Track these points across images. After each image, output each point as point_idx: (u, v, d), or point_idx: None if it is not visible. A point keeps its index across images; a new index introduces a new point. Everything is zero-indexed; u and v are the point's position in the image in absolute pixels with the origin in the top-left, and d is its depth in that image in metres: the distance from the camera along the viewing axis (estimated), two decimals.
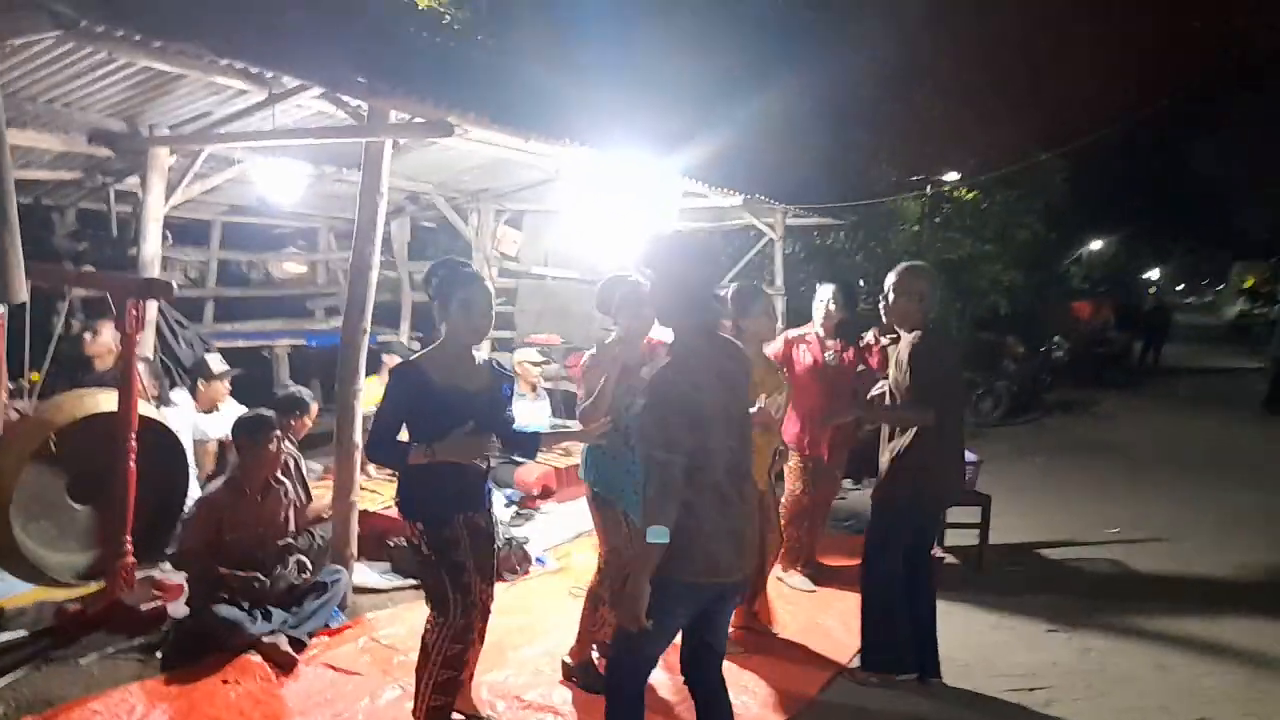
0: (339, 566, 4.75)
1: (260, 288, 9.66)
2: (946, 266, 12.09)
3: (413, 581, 4.97)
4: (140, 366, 4.71)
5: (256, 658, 4.03)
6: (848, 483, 7.39)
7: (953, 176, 13.72)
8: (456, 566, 3.31)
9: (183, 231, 8.47)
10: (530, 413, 6.94)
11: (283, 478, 4.66)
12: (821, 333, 5.44)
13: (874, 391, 4.42)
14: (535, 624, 4.74)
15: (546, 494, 6.65)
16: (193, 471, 5.27)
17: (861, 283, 10.19)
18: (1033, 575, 6.17)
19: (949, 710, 4.09)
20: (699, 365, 2.69)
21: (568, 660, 4.12)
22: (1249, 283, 36.71)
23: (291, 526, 4.63)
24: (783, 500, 5.31)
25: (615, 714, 2.91)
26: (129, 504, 4.27)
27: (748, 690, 4.13)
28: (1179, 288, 53.50)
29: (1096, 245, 27.03)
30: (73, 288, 5.76)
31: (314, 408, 5.43)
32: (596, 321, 8.81)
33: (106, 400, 4.44)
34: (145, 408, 4.54)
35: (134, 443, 4.26)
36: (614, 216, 8.10)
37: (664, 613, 2.64)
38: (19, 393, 5.11)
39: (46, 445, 4.23)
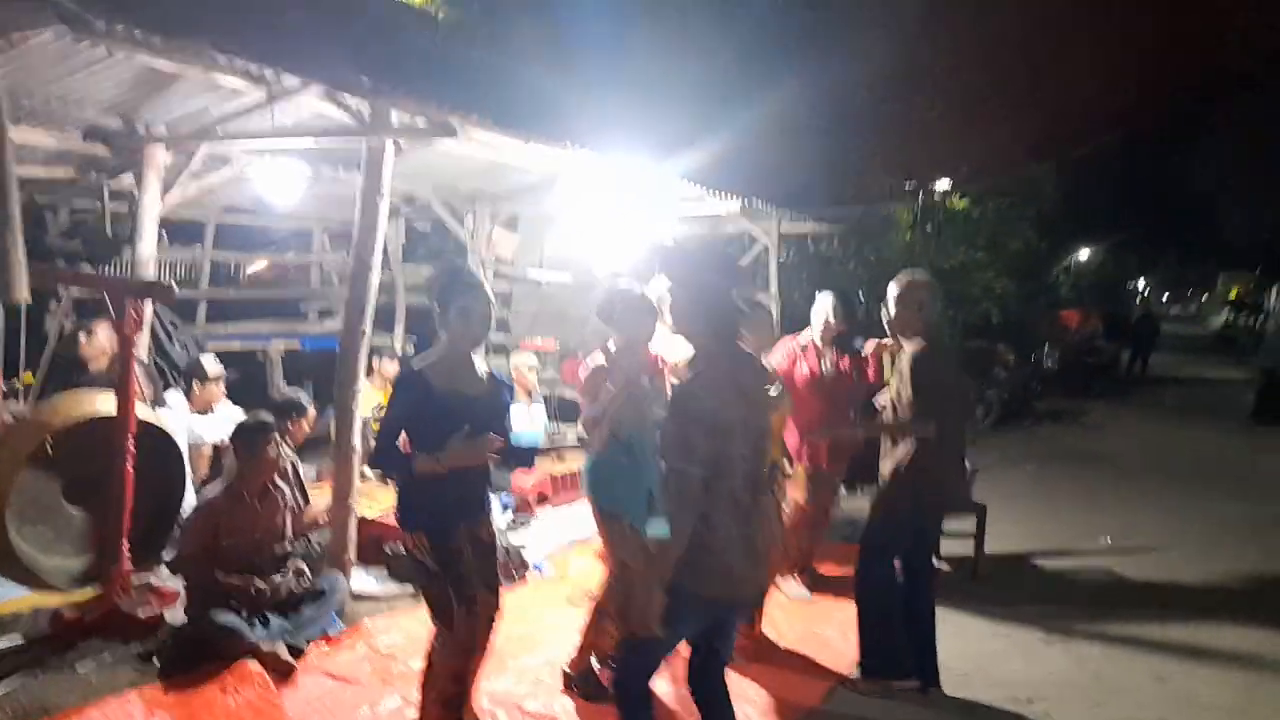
0: (337, 573, 4.72)
1: (252, 289, 9.60)
2: (939, 274, 12.10)
3: (410, 588, 4.94)
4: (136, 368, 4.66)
5: (255, 665, 3.98)
6: (842, 490, 7.38)
7: (945, 184, 13.77)
8: (460, 579, 3.29)
9: (174, 231, 8.40)
10: (527, 418, 6.91)
11: (280, 483, 4.62)
12: (819, 342, 5.43)
13: (879, 399, 4.42)
14: (534, 632, 4.72)
15: (542, 500, 6.63)
16: (188, 475, 5.22)
17: (860, 294, 10.20)
18: (1027, 584, 6.19)
19: None
20: (718, 376, 2.68)
21: (568, 670, 4.09)
22: (1234, 293, 37.00)
23: (289, 532, 4.59)
24: (784, 509, 5.31)
25: (626, 711, 2.93)
26: (126, 508, 4.23)
27: (748, 700, 4.12)
28: (1164, 297, 53.91)
29: (1084, 254, 27.20)
30: (68, 288, 5.71)
31: (311, 411, 5.40)
32: (591, 325, 8.80)
33: (103, 403, 4.40)
34: (142, 410, 4.50)
35: (132, 446, 4.22)
36: (610, 220, 8.09)
37: (677, 622, 2.64)
38: (12, 394, 5.07)
39: (43, 448, 4.20)
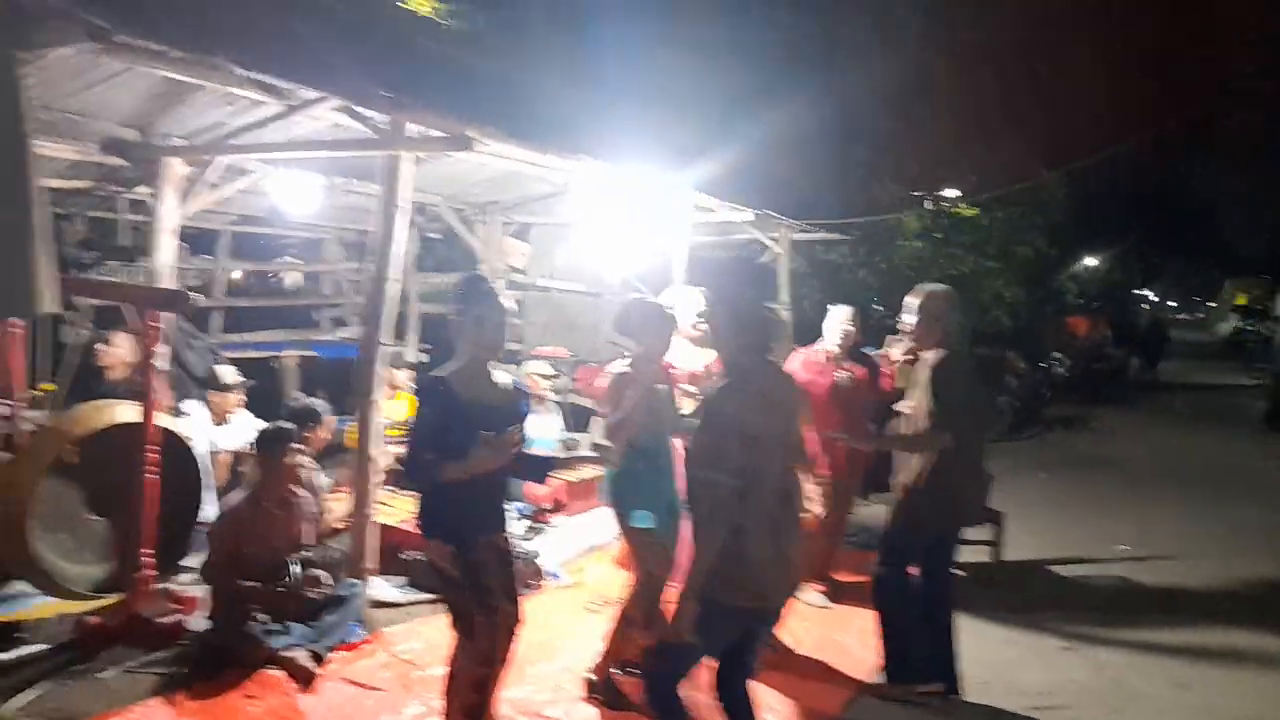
0: (355, 580, 4.73)
1: (266, 298, 9.63)
2: (950, 282, 12.13)
3: (429, 596, 4.95)
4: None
5: (277, 672, 4.00)
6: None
7: (953, 193, 13.80)
8: (483, 589, 3.31)
9: (188, 241, 8.45)
10: (541, 426, 6.93)
11: (300, 490, 4.64)
12: (836, 352, 5.44)
13: (901, 406, 4.42)
14: (553, 639, 4.73)
15: (557, 507, 6.63)
16: (207, 483, 5.24)
17: (876, 302, 10.23)
18: (1044, 591, 6.19)
19: None
20: (751, 388, 2.70)
21: (592, 677, 4.09)
22: (1241, 299, 36.94)
23: (310, 539, 4.61)
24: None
25: (660, 711, 2.96)
26: (149, 516, 4.25)
27: (771, 708, 4.10)
28: (1171, 304, 53.81)
29: (1091, 261, 27.19)
30: (87, 298, 5.74)
31: (328, 419, 5.42)
32: (603, 334, 8.83)
33: (125, 412, 4.43)
34: (163, 418, 4.53)
35: (154, 455, 4.24)
36: (621, 230, 8.11)
37: (710, 633, 2.65)
38: (32, 403, 5.10)
39: (65, 457, 4.22)
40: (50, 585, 4.25)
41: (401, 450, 6.06)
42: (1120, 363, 19.71)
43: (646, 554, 3.89)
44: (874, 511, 6.57)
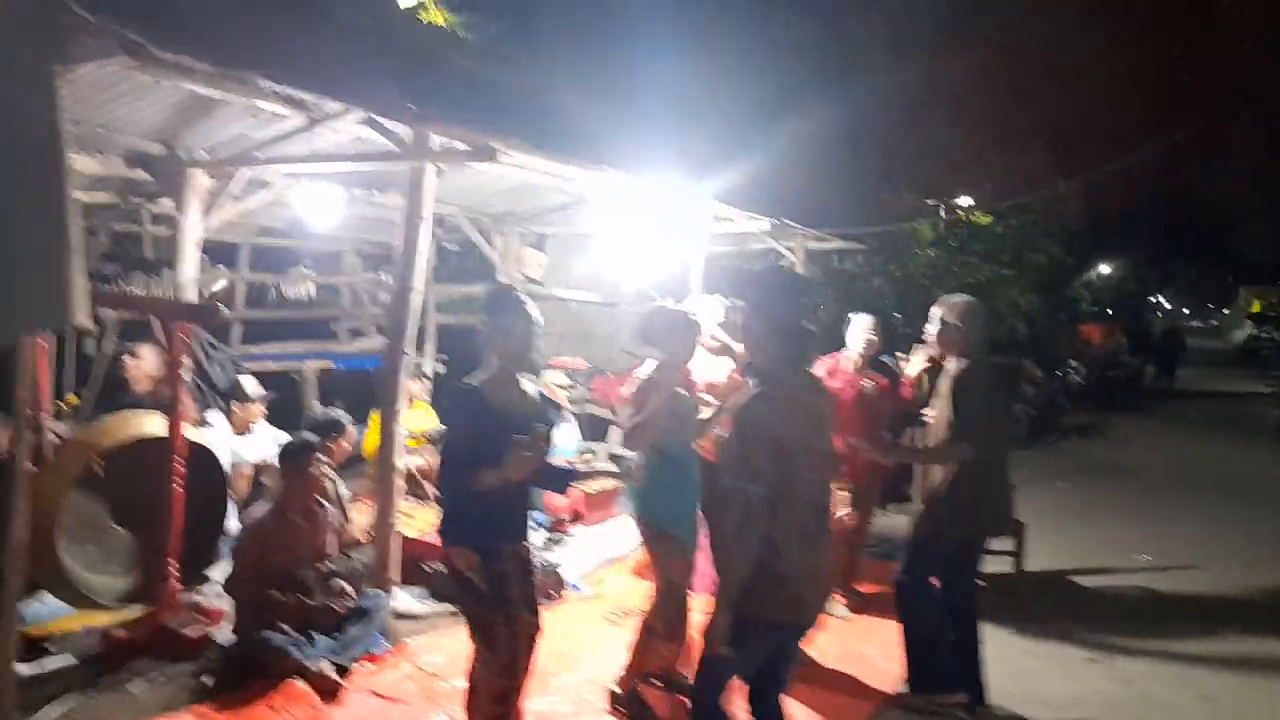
0: (378, 591, 4.75)
1: (286, 309, 9.65)
2: (965, 290, 12.12)
3: (451, 607, 4.95)
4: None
5: (303, 684, 4.01)
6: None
7: (968, 201, 13.80)
8: (505, 600, 3.32)
9: (208, 253, 8.49)
10: (559, 436, 6.94)
11: (323, 501, 4.66)
12: (858, 361, 5.44)
13: (928, 413, 4.42)
14: (574, 651, 4.72)
15: (576, 518, 6.64)
16: (230, 495, 5.27)
17: (895, 310, 10.23)
18: (1066, 601, 6.16)
19: None
20: (784, 398, 2.70)
21: (616, 689, 4.08)
22: (1256, 307, 36.70)
23: (333, 550, 4.63)
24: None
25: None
26: (175, 528, 4.27)
27: None
28: (1184, 311, 53.59)
29: (1105, 269, 27.10)
30: (114, 310, 5.78)
31: (351, 430, 5.45)
32: (619, 344, 8.84)
33: (151, 424, 4.46)
34: (188, 430, 4.56)
35: (180, 467, 4.27)
36: (638, 240, 8.14)
37: (746, 647, 2.65)
38: (57, 415, 5.14)
39: (91, 469, 4.25)
40: (77, 597, 4.28)
41: (421, 461, 6.14)
42: (1135, 370, 19.65)
43: (670, 562, 3.89)
44: (894, 522, 6.56)
